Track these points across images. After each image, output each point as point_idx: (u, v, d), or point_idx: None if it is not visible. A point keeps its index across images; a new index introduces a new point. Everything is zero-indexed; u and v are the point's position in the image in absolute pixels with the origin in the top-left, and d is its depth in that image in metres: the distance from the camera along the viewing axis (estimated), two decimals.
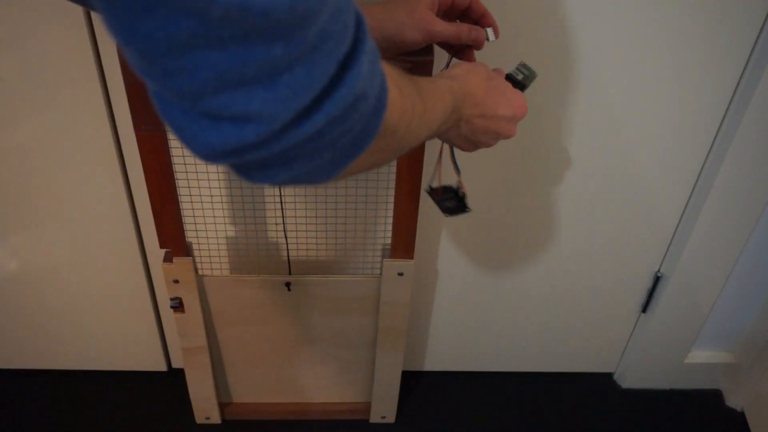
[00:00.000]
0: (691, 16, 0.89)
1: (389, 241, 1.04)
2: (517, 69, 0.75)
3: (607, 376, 1.40)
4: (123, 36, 0.30)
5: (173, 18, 0.29)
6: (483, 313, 1.27)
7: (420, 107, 0.51)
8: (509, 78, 0.74)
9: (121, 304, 1.21)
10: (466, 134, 0.65)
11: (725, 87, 0.97)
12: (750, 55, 0.93)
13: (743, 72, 0.95)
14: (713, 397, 1.38)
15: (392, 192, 0.96)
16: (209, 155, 0.36)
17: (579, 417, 1.32)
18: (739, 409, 1.35)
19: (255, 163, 0.37)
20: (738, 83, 0.96)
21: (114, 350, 1.30)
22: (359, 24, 0.38)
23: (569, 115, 0.99)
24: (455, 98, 0.59)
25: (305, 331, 1.14)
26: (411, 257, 1.02)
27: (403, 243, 1.01)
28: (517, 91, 0.71)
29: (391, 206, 1.00)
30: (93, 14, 0.87)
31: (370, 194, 1.01)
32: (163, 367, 1.32)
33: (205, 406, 1.23)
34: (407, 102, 0.48)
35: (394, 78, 0.46)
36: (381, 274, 1.05)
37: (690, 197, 1.10)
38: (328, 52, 0.34)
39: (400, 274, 1.04)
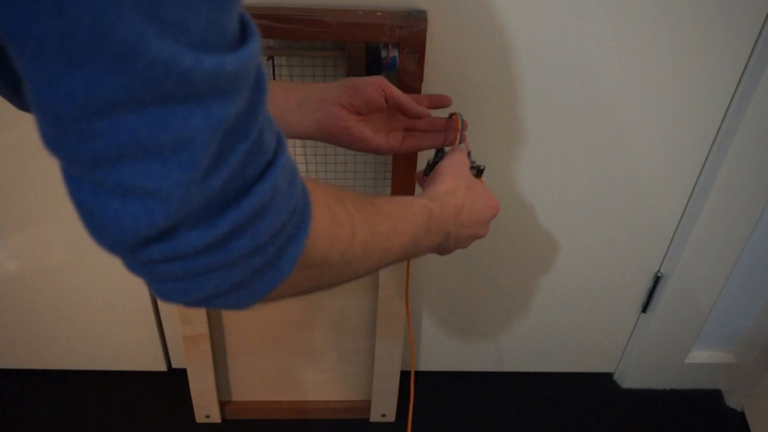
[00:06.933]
0: (691, 15, 0.89)
1: None
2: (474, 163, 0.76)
3: (607, 376, 1.40)
4: (41, 98, 0.30)
5: (96, 76, 0.29)
6: (482, 313, 1.27)
7: (365, 233, 0.49)
8: (473, 167, 0.75)
9: (121, 303, 1.21)
10: (452, 246, 0.68)
11: (725, 87, 0.97)
12: (750, 55, 0.93)
13: (743, 72, 0.95)
14: (713, 397, 1.38)
15: (389, 167, 0.98)
16: (119, 241, 0.35)
17: (579, 417, 1.32)
18: (739, 409, 1.35)
19: (166, 271, 0.37)
20: (738, 83, 0.96)
21: (114, 350, 1.30)
22: (279, 139, 0.39)
23: (569, 114, 0.99)
24: (430, 221, 0.60)
25: (306, 316, 1.15)
26: None
27: None
28: (486, 190, 0.72)
29: (389, 183, 1.01)
30: None
31: (368, 169, 1.02)
32: (163, 367, 1.32)
33: (205, 402, 1.23)
34: (344, 230, 0.46)
35: (326, 205, 0.45)
36: None
37: (690, 197, 1.10)
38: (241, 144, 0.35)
39: None
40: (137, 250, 0.35)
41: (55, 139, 0.32)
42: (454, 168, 0.69)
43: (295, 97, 0.71)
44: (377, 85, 0.72)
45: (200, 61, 0.31)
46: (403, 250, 0.57)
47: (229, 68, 0.32)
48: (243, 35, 0.34)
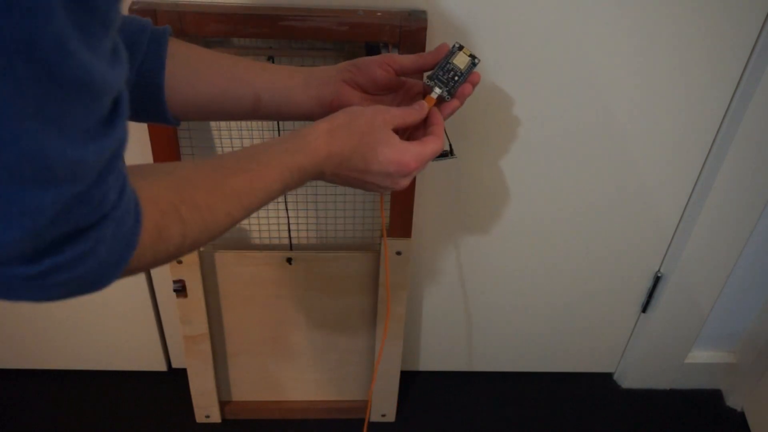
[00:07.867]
0: (692, 16, 0.89)
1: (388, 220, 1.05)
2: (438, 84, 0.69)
3: (607, 376, 1.40)
4: None
5: None
6: (482, 313, 1.27)
7: (195, 233, 0.51)
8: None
9: (121, 303, 1.21)
10: (343, 182, 0.65)
11: (725, 87, 0.97)
12: (750, 54, 0.93)
13: (743, 72, 0.95)
14: (713, 397, 1.38)
15: None
16: None
17: (579, 417, 1.33)
18: (739, 409, 1.35)
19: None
20: (738, 83, 0.96)
21: (114, 350, 1.30)
22: (122, 191, 0.41)
23: (569, 115, 0.99)
24: (295, 169, 0.58)
25: (306, 315, 1.15)
26: (409, 236, 1.03)
27: (401, 221, 1.01)
28: (403, 146, 0.63)
29: None
30: None
31: None
32: (163, 367, 1.33)
33: (205, 402, 1.23)
34: (168, 245, 0.49)
35: (155, 228, 0.46)
36: (380, 252, 1.06)
37: (690, 197, 1.10)
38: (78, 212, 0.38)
39: (398, 253, 1.04)
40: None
41: None
42: (347, 117, 0.63)
43: (299, 77, 0.69)
44: (381, 62, 0.69)
45: (64, 152, 0.33)
46: (261, 197, 0.57)
47: (89, 159, 0.35)
48: (113, 112, 0.36)
